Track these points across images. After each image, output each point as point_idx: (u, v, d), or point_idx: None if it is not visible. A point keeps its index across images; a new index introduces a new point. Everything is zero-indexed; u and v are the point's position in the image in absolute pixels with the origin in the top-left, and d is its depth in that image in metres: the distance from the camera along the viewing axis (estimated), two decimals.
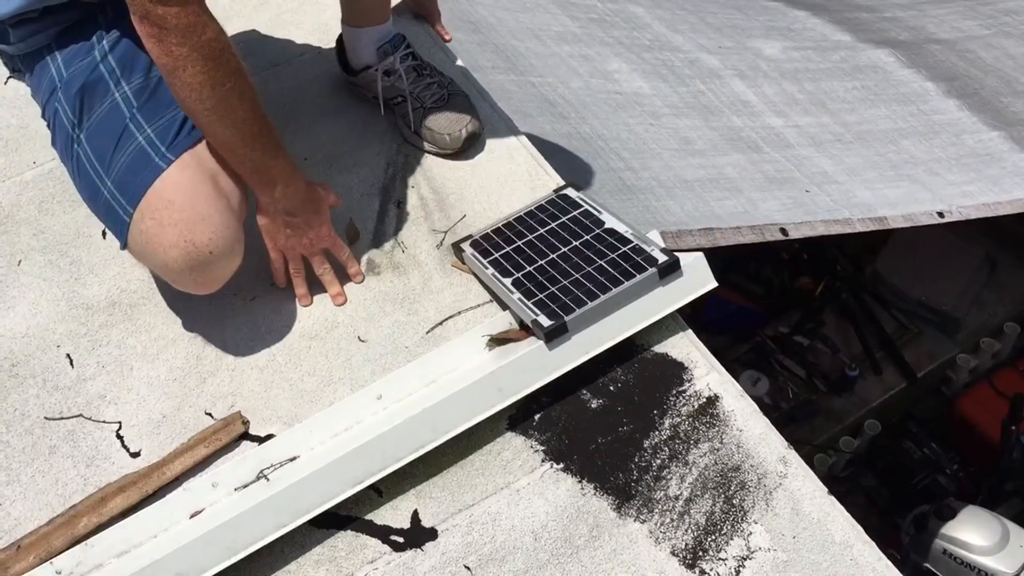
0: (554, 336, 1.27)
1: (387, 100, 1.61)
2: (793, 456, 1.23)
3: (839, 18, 3.11)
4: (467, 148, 1.59)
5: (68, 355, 1.42)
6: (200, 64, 1.18)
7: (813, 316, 2.97)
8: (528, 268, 1.38)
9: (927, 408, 2.83)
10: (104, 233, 1.56)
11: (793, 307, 3.00)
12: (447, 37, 1.78)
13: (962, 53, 2.99)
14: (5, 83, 1.83)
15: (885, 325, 2.90)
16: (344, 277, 1.47)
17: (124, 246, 1.33)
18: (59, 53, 1.35)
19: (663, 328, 1.36)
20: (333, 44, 1.76)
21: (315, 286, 1.45)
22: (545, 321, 1.28)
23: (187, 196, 1.27)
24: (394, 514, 1.22)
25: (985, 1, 3.35)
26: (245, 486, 1.22)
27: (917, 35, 3.11)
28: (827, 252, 3.08)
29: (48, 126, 1.40)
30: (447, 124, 1.55)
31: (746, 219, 1.95)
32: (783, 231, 1.98)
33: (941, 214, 2.27)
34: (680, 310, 1.36)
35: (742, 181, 2.09)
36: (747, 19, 2.97)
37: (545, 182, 1.56)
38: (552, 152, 1.67)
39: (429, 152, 1.60)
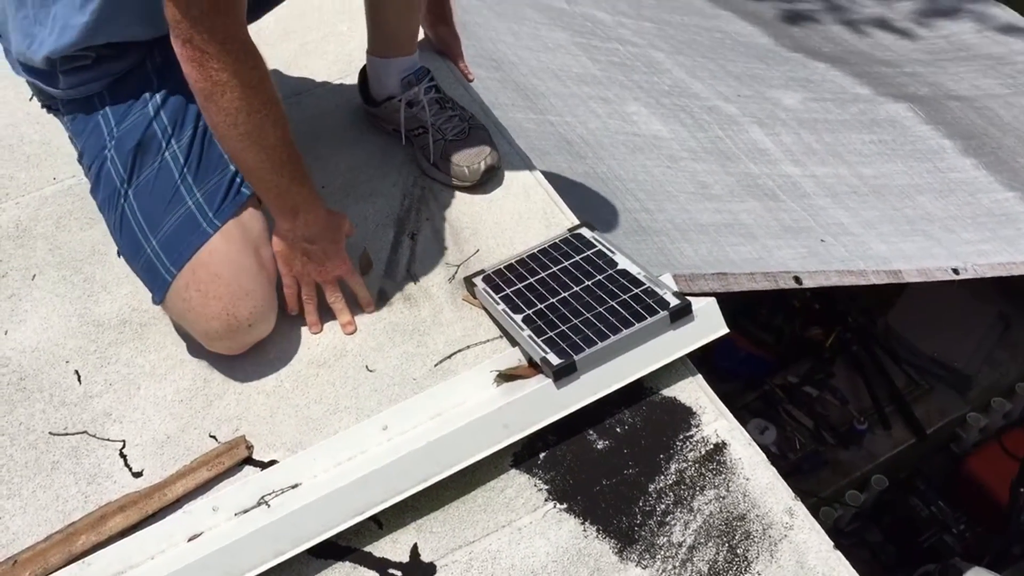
0: (563, 375, 1.27)
1: (408, 131, 1.62)
2: (800, 508, 1.22)
3: (859, 71, 3.13)
4: (485, 181, 1.60)
5: (76, 371, 1.42)
6: (239, 90, 1.19)
7: (823, 367, 2.95)
8: (539, 306, 1.38)
9: (936, 465, 2.80)
10: (119, 251, 1.56)
11: (803, 357, 2.98)
12: (470, 77, 1.80)
13: (981, 111, 3.00)
14: (30, 99, 1.85)
15: (896, 379, 2.88)
16: (355, 306, 1.47)
17: (159, 302, 1.36)
18: (109, 105, 1.39)
19: (672, 372, 1.35)
20: (355, 76, 1.78)
21: (325, 314, 1.46)
22: (554, 359, 1.27)
23: (232, 270, 1.32)
24: (393, 547, 1.21)
25: (1005, 61, 3.37)
26: (245, 511, 1.22)
27: (936, 91, 3.12)
28: (839, 303, 3.07)
29: (87, 173, 1.43)
30: (467, 156, 1.56)
31: (760, 266, 1.95)
32: (797, 280, 1.97)
33: (956, 271, 2.26)
34: (690, 354, 1.36)
35: (757, 228, 2.10)
36: (767, 69, 2.99)
37: (560, 220, 1.57)
38: (568, 190, 1.67)
39: (447, 184, 1.61)
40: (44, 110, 1.49)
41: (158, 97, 1.37)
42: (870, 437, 2.75)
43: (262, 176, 1.29)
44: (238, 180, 1.36)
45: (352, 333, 1.44)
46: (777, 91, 2.82)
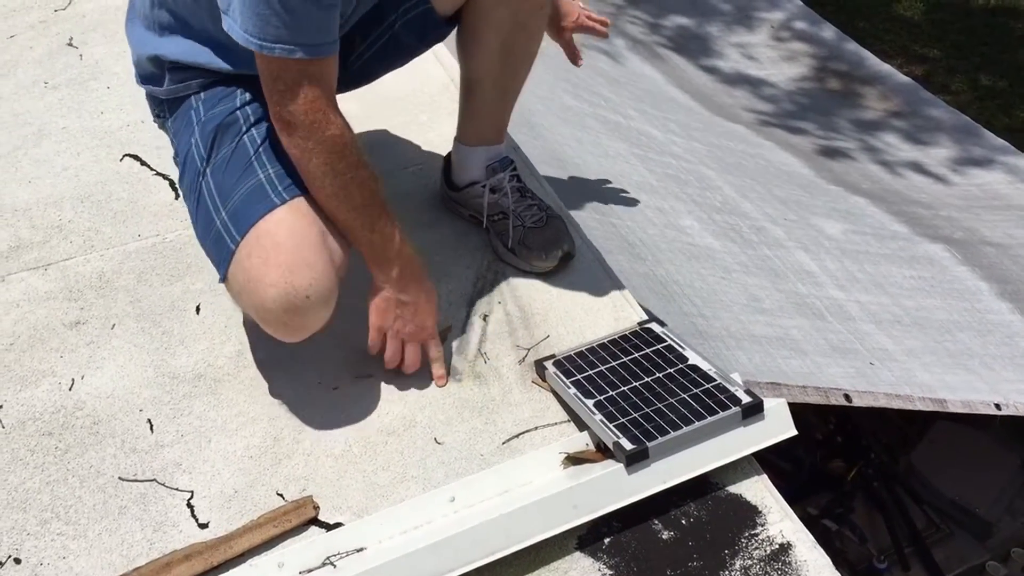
0: (634, 460, 1.28)
1: (488, 216, 1.67)
2: None
3: (896, 210, 3.20)
4: (558, 270, 1.64)
5: (149, 420, 1.43)
6: (324, 156, 1.30)
7: (843, 501, 2.90)
8: (611, 392, 1.40)
9: None
10: (198, 309, 1.60)
11: (822, 489, 2.93)
12: (580, 61, 1.75)
13: (1016, 258, 3.05)
14: (121, 160, 1.93)
15: (916, 520, 2.82)
16: (427, 378, 1.49)
17: (223, 279, 1.37)
18: (202, 96, 1.44)
19: (738, 469, 1.37)
20: (431, 162, 1.84)
21: (397, 384, 1.48)
22: (627, 444, 1.29)
23: (294, 240, 1.32)
24: None
25: None
26: (310, 571, 1.22)
27: (971, 236, 3.19)
28: (862, 438, 3.04)
29: (178, 163, 1.48)
30: (544, 244, 1.61)
31: (811, 380, 1.97)
32: (847, 397, 1.99)
33: (998, 406, 2.28)
34: (755, 455, 1.37)
35: (807, 344, 2.13)
36: (811, 197, 3.07)
37: (629, 314, 1.60)
38: (630, 288, 1.71)
39: (521, 269, 1.65)
40: (157, 121, 1.56)
41: (248, 95, 1.42)
42: None
43: (354, 231, 1.37)
44: None
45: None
46: (820, 219, 2.89)
